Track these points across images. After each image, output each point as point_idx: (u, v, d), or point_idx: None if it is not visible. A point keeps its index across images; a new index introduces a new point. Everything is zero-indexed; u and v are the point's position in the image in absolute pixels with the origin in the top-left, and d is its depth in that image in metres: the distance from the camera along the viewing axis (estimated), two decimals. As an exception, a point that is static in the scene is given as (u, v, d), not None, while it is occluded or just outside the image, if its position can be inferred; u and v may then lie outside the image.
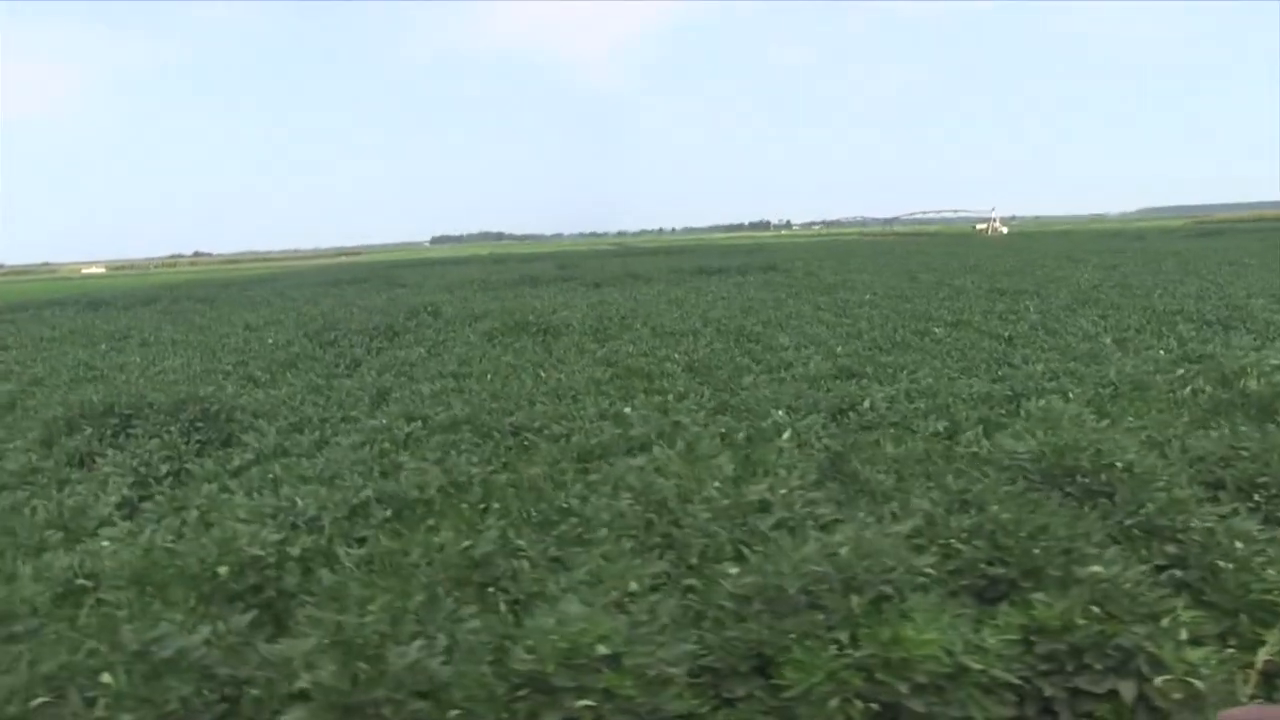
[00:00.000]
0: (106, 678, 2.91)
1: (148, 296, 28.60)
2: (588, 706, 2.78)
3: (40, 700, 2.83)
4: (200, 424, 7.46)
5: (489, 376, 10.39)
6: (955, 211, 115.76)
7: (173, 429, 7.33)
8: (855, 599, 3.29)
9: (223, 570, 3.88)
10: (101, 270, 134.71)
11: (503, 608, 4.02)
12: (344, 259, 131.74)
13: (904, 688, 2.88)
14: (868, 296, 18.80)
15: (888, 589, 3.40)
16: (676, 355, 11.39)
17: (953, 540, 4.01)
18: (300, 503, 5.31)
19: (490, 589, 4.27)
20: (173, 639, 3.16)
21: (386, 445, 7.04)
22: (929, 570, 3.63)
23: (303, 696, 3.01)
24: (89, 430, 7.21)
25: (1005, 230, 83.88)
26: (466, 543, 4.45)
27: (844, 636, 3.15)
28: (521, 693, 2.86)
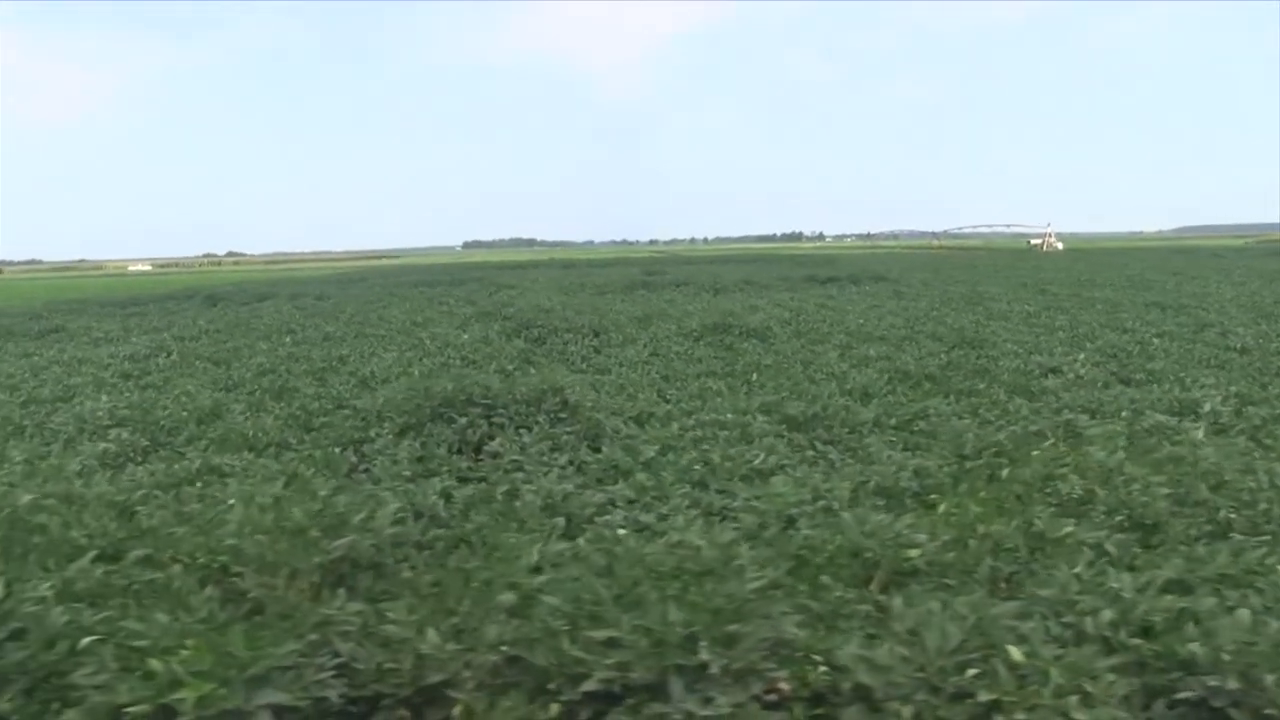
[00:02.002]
0: (1015, 652, 2.79)
1: (260, 293, 28.73)
2: None
3: (973, 671, 2.71)
4: (562, 414, 7.34)
5: (753, 376, 10.28)
6: (1008, 226, 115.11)
7: (540, 419, 7.23)
8: None
9: (914, 553, 3.77)
10: (148, 268, 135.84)
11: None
12: (386, 261, 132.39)
13: None
14: (1028, 308, 18.53)
15: None
16: (914, 361, 11.24)
17: None
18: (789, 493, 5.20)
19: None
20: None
21: (772, 439, 6.92)
22: None
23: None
24: (462, 420, 7.10)
25: (1060, 246, 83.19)
26: (1068, 528, 4.35)
27: None
28: None
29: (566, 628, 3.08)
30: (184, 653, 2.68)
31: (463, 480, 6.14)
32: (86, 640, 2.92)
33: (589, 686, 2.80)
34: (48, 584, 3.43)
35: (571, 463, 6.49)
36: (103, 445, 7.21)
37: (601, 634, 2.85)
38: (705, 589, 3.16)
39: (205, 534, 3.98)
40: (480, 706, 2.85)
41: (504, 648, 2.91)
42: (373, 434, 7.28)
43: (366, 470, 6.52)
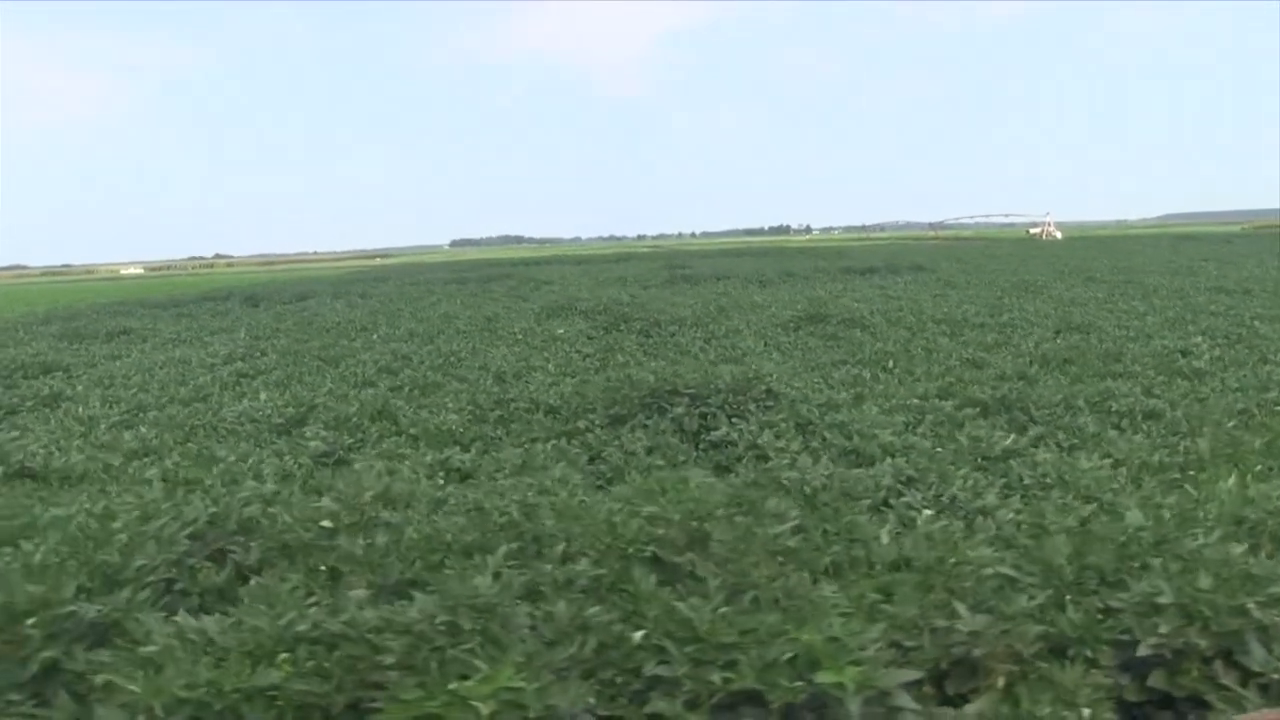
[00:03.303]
0: None
1: (298, 293, 28.59)
2: None
3: None
4: (769, 403, 7.41)
5: (889, 364, 10.36)
6: (1005, 216, 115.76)
7: (750, 407, 7.29)
8: None
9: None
10: (140, 270, 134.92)
11: None
12: (379, 260, 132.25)
13: None
14: (1097, 295, 18.65)
15: None
16: (1033, 347, 11.34)
17: None
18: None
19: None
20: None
21: (983, 423, 7.02)
22: None
23: None
24: (678, 409, 7.15)
25: (1059, 235, 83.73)
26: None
27: None
28: None
29: (1070, 598, 3.15)
30: (803, 639, 2.70)
31: (712, 468, 6.19)
32: (638, 634, 2.93)
33: (1143, 652, 2.86)
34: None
35: (806, 449, 6.53)
36: (313, 442, 7.20)
37: (1157, 600, 2.90)
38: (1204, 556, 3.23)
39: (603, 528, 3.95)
40: (1024, 679, 2.91)
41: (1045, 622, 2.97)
42: (581, 425, 7.32)
43: (594, 459, 6.57)
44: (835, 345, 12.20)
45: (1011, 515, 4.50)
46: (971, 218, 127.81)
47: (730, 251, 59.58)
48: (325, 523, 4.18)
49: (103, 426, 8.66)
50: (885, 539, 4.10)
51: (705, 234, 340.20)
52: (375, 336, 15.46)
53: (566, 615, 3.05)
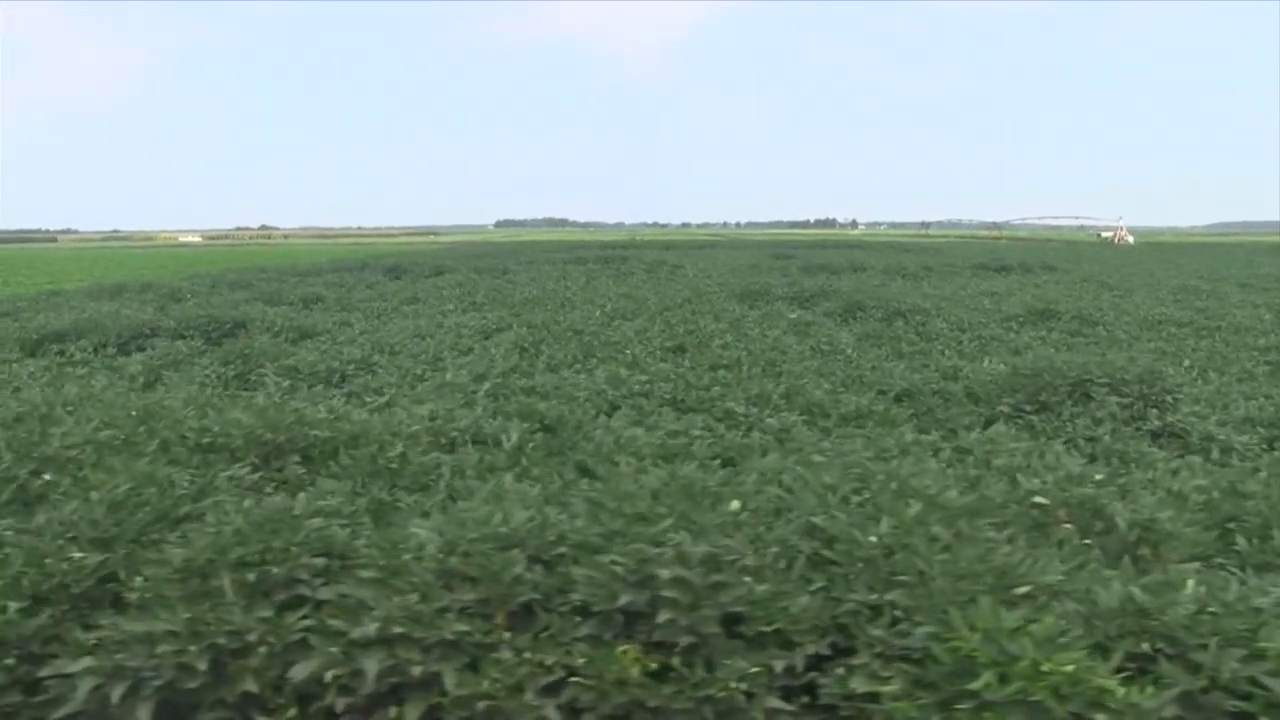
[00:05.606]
0: None
1: (436, 266, 28.91)
2: None
3: None
4: (1178, 394, 7.68)
5: (1186, 362, 10.52)
6: (1075, 218, 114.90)
7: (1167, 399, 7.54)
8: None
9: None
10: (198, 239, 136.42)
11: None
12: (431, 238, 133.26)
13: None
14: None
15: None
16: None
17: None
18: None
19: None
20: None
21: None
22: None
23: None
24: (1112, 398, 7.39)
25: (1131, 240, 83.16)
26: None
27: None
28: None
29: None
30: None
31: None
32: None
33: None
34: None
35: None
36: (769, 419, 7.28)
37: None
38: None
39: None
40: None
41: None
42: (1004, 410, 7.55)
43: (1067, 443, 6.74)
44: (1091, 342, 12.35)
45: None
46: (1040, 219, 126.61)
47: (816, 243, 59.56)
48: (1039, 499, 4.27)
49: (480, 394, 8.64)
50: None
51: (751, 224, 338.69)
52: (597, 312, 15.40)
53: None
